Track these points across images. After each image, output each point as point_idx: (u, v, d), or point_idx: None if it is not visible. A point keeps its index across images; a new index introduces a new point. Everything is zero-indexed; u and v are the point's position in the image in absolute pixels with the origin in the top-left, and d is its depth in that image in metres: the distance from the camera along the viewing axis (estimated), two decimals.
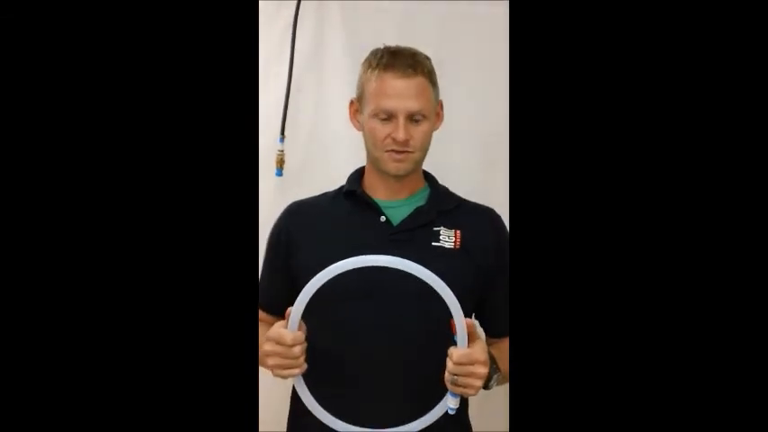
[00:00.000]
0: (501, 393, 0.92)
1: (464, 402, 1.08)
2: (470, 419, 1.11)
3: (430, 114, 1.03)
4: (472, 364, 0.87)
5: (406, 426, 0.93)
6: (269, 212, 1.13)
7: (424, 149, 1.05)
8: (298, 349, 0.89)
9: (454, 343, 0.88)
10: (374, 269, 0.99)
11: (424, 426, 0.93)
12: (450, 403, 0.91)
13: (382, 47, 1.05)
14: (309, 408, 0.93)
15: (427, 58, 1.05)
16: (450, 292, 0.86)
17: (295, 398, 1.07)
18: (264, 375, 0.92)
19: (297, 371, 0.90)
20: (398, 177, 1.05)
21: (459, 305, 0.86)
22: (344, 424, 0.93)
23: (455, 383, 0.88)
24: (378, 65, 1.02)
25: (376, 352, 1.00)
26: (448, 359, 0.88)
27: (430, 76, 1.04)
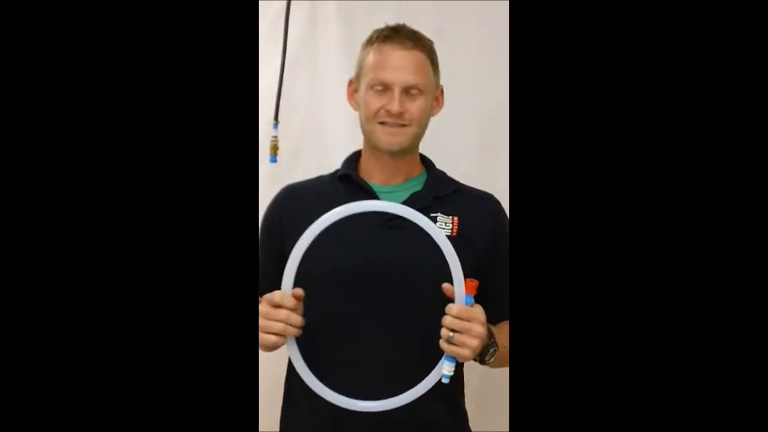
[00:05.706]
0: (501, 393, 0.90)
1: (460, 388, 1.07)
2: (470, 420, 1.09)
3: (427, 90, 1.02)
4: (470, 320, 0.86)
5: (399, 396, 0.89)
6: (264, 199, 1.12)
7: (420, 126, 1.04)
8: (283, 313, 0.86)
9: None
10: (370, 257, 0.99)
11: (417, 395, 0.89)
12: (444, 370, 0.87)
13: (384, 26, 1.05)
14: (303, 377, 0.89)
15: (430, 40, 1.05)
16: (451, 247, 0.85)
17: (288, 388, 1.06)
18: (265, 375, 0.89)
19: (277, 338, 0.86)
20: (393, 155, 1.04)
21: (458, 262, 0.86)
22: (336, 394, 0.89)
23: (451, 341, 0.85)
24: (378, 38, 1.02)
25: (368, 338, 0.99)
26: (445, 317, 0.86)
27: (430, 53, 1.04)
